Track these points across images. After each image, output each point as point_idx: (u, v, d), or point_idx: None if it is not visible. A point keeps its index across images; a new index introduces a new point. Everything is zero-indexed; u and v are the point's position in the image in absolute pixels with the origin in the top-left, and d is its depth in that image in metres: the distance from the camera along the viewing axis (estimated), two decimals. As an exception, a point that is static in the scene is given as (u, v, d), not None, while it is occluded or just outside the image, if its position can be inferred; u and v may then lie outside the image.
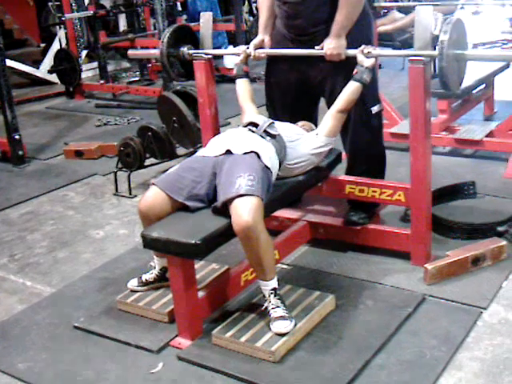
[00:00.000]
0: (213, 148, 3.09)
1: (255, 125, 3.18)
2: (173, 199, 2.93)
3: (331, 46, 3.29)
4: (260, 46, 3.59)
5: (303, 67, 3.48)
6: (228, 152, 3.00)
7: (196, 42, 3.84)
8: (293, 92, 3.61)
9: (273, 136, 3.13)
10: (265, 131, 3.14)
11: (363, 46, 3.21)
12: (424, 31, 3.05)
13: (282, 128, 3.23)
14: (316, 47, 3.35)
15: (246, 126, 3.20)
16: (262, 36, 3.60)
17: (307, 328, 2.89)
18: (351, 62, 3.28)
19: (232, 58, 8.27)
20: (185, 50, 3.78)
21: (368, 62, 3.19)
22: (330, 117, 3.25)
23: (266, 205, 2.82)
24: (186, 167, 3.03)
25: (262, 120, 3.23)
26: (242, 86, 3.58)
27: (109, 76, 8.32)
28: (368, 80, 3.19)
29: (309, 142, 3.22)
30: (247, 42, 3.93)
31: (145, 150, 4.75)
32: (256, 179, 2.82)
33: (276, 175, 3.08)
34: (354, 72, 3.20)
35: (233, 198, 2.76)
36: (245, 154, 2.96)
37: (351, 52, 3.28)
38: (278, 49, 3.54)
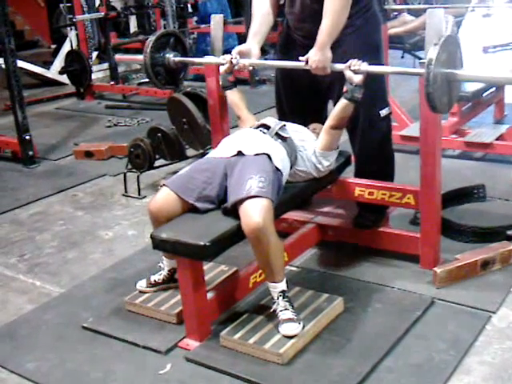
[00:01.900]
0: (224, 149, 3.10)
1: (267, 127, 3.18)
2: (183, 200, 2.93)
3: (315, 59, 3.17)
4: (245, 55, 3.43)
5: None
6: (239, 153, 3.00)
7: (184, 49, 3.81)
8: (302, 94, 3.60)
9: (284, 139, 3.13)
10: (276, 133, 3.13)
11: (350, 62, 3.02)
12: (435, 34, 3.03)
13: (293, 130, 3.23)
14: (300, 58, 3.22)
15: (257, 128, 3.19)
16: (250, 45, 3.47)
17: (315, 330, 2.89)
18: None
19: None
20: (170, 56, 3.73)
21: (357, 79, 3.01)
22: (325, 132, 3.21)
23: (275, 207, 2.82)
24: (197, 168, 3.04)
25: (274, 122, 3.22)
26: (234, 97, 3.50)
27: (119, 77, 8.34)
28: (359, 97, 3.06)
29: (311, 153, 3.22)
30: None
31: (154, 151, 4.76)
32: (267, 181, 2.81)
33: (286, 178, 3.09)
34: (344, 90, 3.09)
35: (243, 200, 2.76)
36: (256, 155, 2.96)
37: (338, 67, 3.13)
38: (287, 52, 3.52)
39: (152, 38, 3.71)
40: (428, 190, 3.27)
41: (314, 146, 3.23)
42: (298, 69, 3.46)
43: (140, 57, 3.74)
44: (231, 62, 3.40)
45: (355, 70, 3.01)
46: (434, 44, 2.73)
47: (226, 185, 2.94)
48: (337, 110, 3.15)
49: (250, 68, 3.51)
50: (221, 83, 3.53)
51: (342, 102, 3.10)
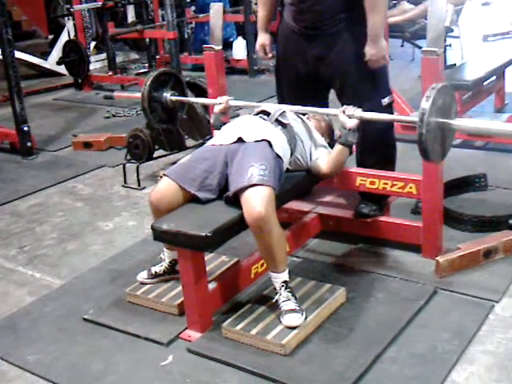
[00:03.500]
0: (224, 136, 3.07)
1: (267, 113, 3.16)
2: (184, 190, 2.91)
3: (373, 53, 3.24)
4: (264, 47, 3.65)
5: (313, 61, 3.45)
6: (240, 140, 2.98)
7: (181, 89, 3.80)
8: (302, 84, 3.57)
9: (284, 125, 3.11)
10: (276, 120, 3.11)
11: (344, 107, 3.03)
12: (437, 22, 3.01)
13: (293, 119, 3.21)
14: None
15: (257, 114, 3.17)
16: (263, 38, 3.65)
17: (318, 321, 2.87)
18: (361, 58, 3.28)
19: (242, 48, 8.23)
20: (168, 95, 3.71)
21: (351, 123, 2.99)
22: (317, 169, 3.19)
23: (277, 196, 2.80)
24: (198, 157, 3.01)
25: (274, 108, 3.20)
26: None
27: (117, 67, 8.31)
28: (354, 141, 3.05)
29: (310, 157, 3.20)
30: (256, 34, 3.90)
31: (154, 141, 4.74)
32: (268, 168, 2.79)
33: (287, 164, 3.07)
34: (337, 136, 3.11)
35: (245, 188, 2.74)
36: (256, 142, 2.94)
37: (332, 112, 3.16)
38: (287, 44, 3.51)
39: (154, 74, 3.71)
40: (430, 179, 3.25)
41: (314, 154, 3.21)
42: (299, 59, 3.45)
43: (137, 95, 3.73)
44: (226, 103, 3.41)
45: (349, 115, 3.00)
46: (427, 96, 2.65)
47: (227, 173, 2.92)
48: (331, 157, 3.13)
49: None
50: (212, 122, 3.47)
51: (337, 147, 3.08)
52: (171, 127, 4.07)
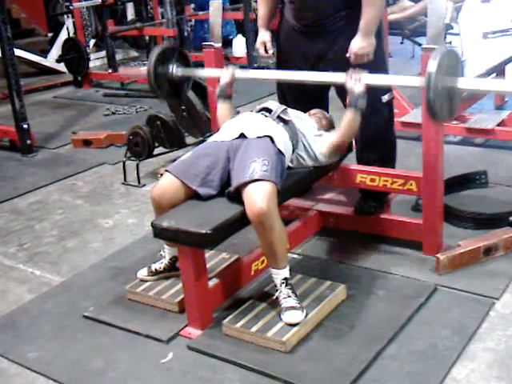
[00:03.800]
0: (226, 132, 3.07)
1: (268, 110, 3.16)
2: (186, 186, 2.91)
3: (361, 45, 3.18)
4: (265, 44, 3.59)
5: (313, 59, 3.44)
6: (242, 136, 2.97)
7: (186, 62, 3.78)
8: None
9: (286, 122, 3.11)
10: (278, 116, 3.11)
11: (350, 73, 3.02)
12: (437, 19, 3.01)
13: (295, 116, 3.20)
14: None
15: (259, 111, 3.17)
16: (264, 34, 3.58)
17: (318, 318, 2.87)
18: None
19: (241, 46, 8.21)
20: (173, 68, 3.70)
21: (359, 88, 2.99)
22: (332, 145, 3.17)
23: (278, 192, 2.79)
24: (200, 153, 3.01)
25: (275, 105, 3.20)
26: (224, 111, 3.39)
27: (117, 65, 8.29)
28: (363, 106, 3.03)
29: (316, 149, 3.18)
30: (255, 32, 3.90)
31: (154, 139, 4.73)
32: (270, 164, 2.79)
33: (289, 161, 3.07)
34: (346, 101, 3.10)
35: (247, 183, 2.74)
36: (258, 138, 2.94)
37: (338, 78, 3.10)
38: (288, 42, 3.51)
39: (158, 49, 3.68)
40: (431, 176, 3.25)
41: (318, 144, 3.19)
42: (299, 56, 3.45)
43: (143, 70, 3.70)
44: (232, 74, 3.40)
45: (356, 80, 3.00)
46: (434, 57, 2.67)
47: (229, 169, 2.92)
48: (343, 125, 3.10)
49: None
50: (217, 93, 3.45)
51: (348, 115, 3.07)
52: (178, 101, 4.03)
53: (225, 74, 3.42)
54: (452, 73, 2.75)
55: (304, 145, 3.15)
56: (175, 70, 3.63)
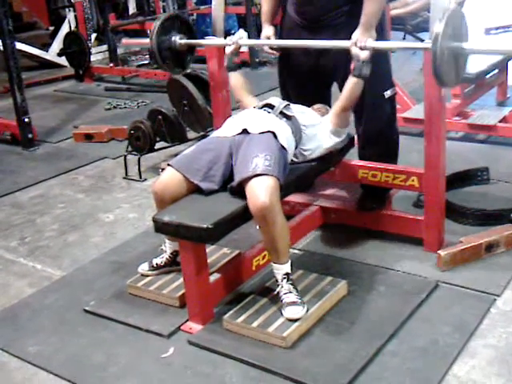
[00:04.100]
0: (229, 128, 3.07)
1: (271, 106, 3.15)
2: (188, 180, 2.90)
3: (363, 39, 3.11)
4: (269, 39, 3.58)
5: (315, 54, 3.44)
6: (244, 131, 2.97)
7: (190, 31, 3.78)
8: (305, 77, 3.56)
9: (289, 117, 3.11)
10: (281, 112, 3.11)
11: (355, 39, 3.05)
12: (444, 10, 2.99)
13: (298, 111, 3.20)
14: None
15: (261, 107, 3.17)
16: (268, 30, 3.57)
17: (319, 314, 2.87)
18: None
19: (245, 37, 8.17)
20: (177, 39, 3.70)
21: (364, 55, 3.02)
22: (335, 115, 3.19)
23: (281, 186, 2.78)
24: (202, 148, 3.01)
25: (278, 101, 3.20)
26: (237, 81, 3.49)
27: (118, 59, 8.29)
28: (368, 73, 3.05)
29: (322, 134, 3.19)
30: (257, 26, 3.89)
31: (155, 133, 4.73)
32: (273, 159, 2.79)
33: (292, 156, 3.06)
34: (351, 67, 3.10)
35: (249, 178, 2.73)
36: (261, 133, 2.94)
37: (343, 44, 3.12)
38: (291, 37, 3.48)
39: (157, 22, 3.68)
40: (432, 172, 3.24)
41: (322, 124, 3.20)
42: (301, 52, 3.44)
43: (146, 40, 3.70)
44: (237, 43, 3.42)
45: (361, 47, 3.02)
46: (440, 19, 2.69)
47: (231, 164, 2.92)
48: (346, 90, 3.13)
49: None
50: (225, 64, 3.50)
51: (351, 80, 3.09)
52: (181, 71, 4.01)
53: (229, 43, 3.46)
54: (458, 36, 2.77)
55: (308, 136, 3.15)
56: (178, 39, 3.64)
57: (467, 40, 2.87)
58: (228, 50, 3.48)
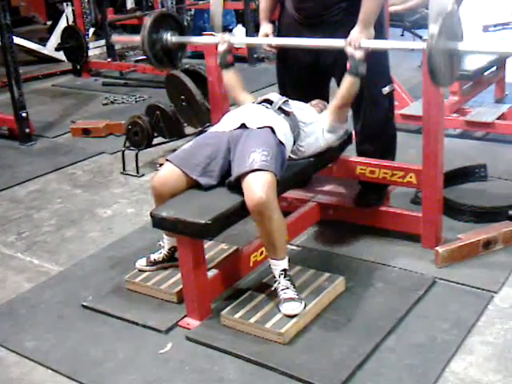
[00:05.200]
0: (227, 123, 3.07)
1: (270, 101, 3.15)
2: (187, 176, 2.90)
3: (360, 36, 3.10)
4: (267, 37, 3.55)
5: (314, 50, 3.43)
6: (243, 126, 2.97)
7: (181, 29, 3.77)
8: (304, 72, 3.56)
9: (287, 113, 3.10)
10: (279, 108, 3.10)
11: (350, 39, 3.05)
12: (439, 12, 2.99)
13: (296, 107, 3.19)
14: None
15: (260, 103, 3.16)
16: (267, 27, 3.55)
17: (317, 310, 2.87)
18: None
19: (242, 35, 8.17)
20: (168, 36, 3.69)
21: (359, 54, 3.02)
22: (332, 112, 3.19)
23: (278, 182, 2.78)
24: (201, 143, 3.01)
25: (277, 97, 3.19)
26: (230, 78, 3.48)
27: (116, 54, 8.26)
28: (364, 72, 3.06)
29: (320, 131, 3.19)
30: (255, 22, 3.88)
31: (153, 128, 4.72)
32: (270, 154, 2.79)
33: (290, 153, 3.06)
34: (347, 66, 3.10)
35: (246, 173, 2.73)
36: (259, 128, 2.94)
37: (338, 44, 3.12)
38: (289, 33, 3.48)
39: (152, 16, 3.67)
40: (430, 169, 3.24)
41: (320, 122, 3.20)
42: (299, 48, 3.43)
43: (137, 37, 3.70)
44: (229, 42, 3.42)
45: (355, 46, 3.02)
46: (435, 19, 2.69)
47: (229, 159, 2.92)
48: (342, 88, 3.13)
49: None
50: (218, 62, 3.49)
51: (348, 79, 3.08)
52: (172, 67, 4.02)
53: (221, 42, 3.45)
54: (453, 36, 2.77)
55: (306, 132, 3.14)
56: (169, 37, 3.63)
57: (462, 40, 2.86)
58: (220, 48, 3.46)
